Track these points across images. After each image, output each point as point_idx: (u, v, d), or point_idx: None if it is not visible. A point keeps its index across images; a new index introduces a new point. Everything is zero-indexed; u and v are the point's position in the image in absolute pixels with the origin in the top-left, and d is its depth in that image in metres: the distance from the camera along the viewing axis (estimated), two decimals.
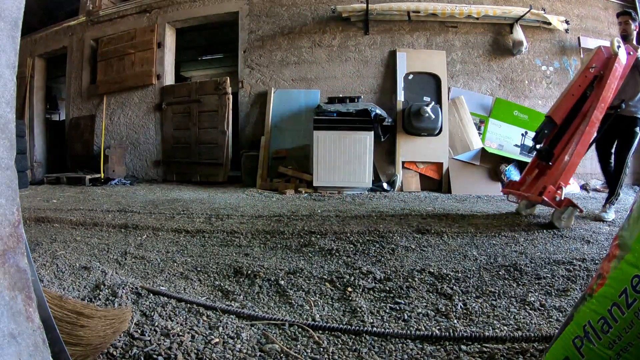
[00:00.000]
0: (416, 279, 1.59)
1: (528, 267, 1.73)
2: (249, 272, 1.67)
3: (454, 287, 1.51)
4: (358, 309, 1.33)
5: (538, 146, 2.86)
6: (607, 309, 0.74)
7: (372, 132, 4.31)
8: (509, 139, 4.88)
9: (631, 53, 2.72)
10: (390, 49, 5.06)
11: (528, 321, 1.23)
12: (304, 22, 5.25)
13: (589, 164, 5.20)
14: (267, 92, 5.20)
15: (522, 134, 4.87)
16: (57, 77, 7.67)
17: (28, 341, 0.59)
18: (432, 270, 1.67)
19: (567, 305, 1.34)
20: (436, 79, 4.89)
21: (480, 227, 2.54)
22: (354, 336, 1.14)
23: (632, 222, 0.77)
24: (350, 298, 1.43)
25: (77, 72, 6.25)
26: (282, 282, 1.56)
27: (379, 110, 4.37)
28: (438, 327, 1.19)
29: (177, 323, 1.20)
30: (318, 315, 1.29)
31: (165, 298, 1.39)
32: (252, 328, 1.18)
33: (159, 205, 3.41)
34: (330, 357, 1.04)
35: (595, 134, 2.73)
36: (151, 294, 1.41)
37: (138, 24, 5.87)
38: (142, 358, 1.00)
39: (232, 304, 1.37)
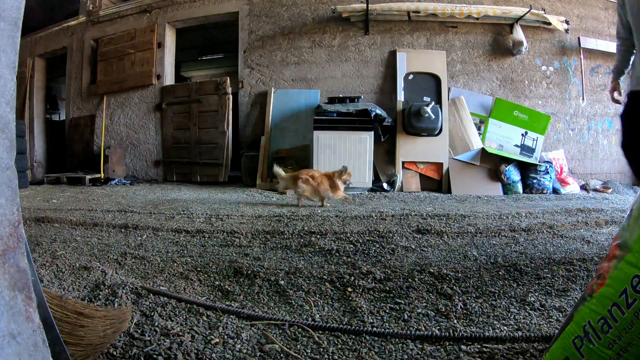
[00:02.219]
0: (416, 279, 1.59)
1: (528, 267, 1.72)
2: (249, 272, 1.66)
3: (454, 287, 1.51)
4: (358, 309, 1.33)
5: None
6: (607, 309, 0.74)
7: (372, 132, 4.31)
8: (509, 139, 4.88)
9: None
10: (390, 49, 5.06)
11: (528, 321, 1.23)
12: (304, 22, 5.25)
13: (589, 164, 5.21)
14: (267, 92, 5.20)
15: (522, 134, 4.87)
16: (57, 77, 7.67)
17: (28, 341, 0.59)
18: (432, 270, 1.67)
19: (567, 305, 1.34)
20: (436, 79, 4.89)
21: (480, 227, 2.54)
22: (354, 336, 1.14)
23: (632, 222, 0.77)
24: (350, 298, 1.43)
25: (77, 72, 6.25)
26: (282, 282, 1.56)
27: (379, 111, 4.37)
28: (438, 327, 1.19)
29: (177, 323, 1.19)
30: (318, 316, 1.29)
31: (165, 298, 1.39)
32: (252, 328, 1.18)
33: (159, 205, 3.40)
34: (330, 357, 1.03)
35: None
36: (151, 294, 1.41)
37: (138, 24, 5.87)
38: (142, 358, 0.99)
39: (232, 304, 1.37)
